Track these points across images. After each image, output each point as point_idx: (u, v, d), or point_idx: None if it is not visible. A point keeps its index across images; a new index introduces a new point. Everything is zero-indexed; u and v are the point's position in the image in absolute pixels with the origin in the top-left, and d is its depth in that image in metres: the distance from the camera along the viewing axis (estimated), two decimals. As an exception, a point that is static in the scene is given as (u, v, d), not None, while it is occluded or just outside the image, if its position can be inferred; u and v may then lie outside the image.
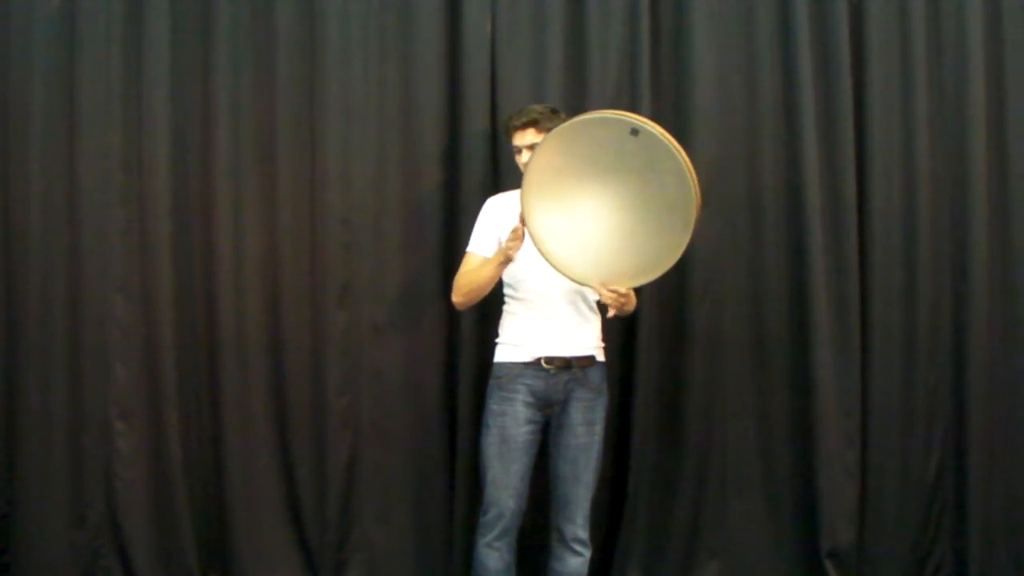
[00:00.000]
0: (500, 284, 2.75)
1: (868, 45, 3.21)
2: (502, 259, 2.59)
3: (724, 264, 3.20)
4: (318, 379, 3.11)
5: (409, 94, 3.14)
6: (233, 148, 3.10)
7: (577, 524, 2.68)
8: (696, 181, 2.36)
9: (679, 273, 3.16)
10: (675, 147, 2.36)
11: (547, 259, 2.49)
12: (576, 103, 3.13)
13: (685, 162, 2.36)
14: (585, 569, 2.69)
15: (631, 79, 3.16)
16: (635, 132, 2.37)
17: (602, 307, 2.74)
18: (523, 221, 2.47)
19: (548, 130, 2.61)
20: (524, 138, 2.70)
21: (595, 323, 2.78)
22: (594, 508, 3.14)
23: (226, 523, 3.10)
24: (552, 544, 2.73)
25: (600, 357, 2.78)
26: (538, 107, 2.75)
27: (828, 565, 3.13)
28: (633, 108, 3.12)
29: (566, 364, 2.68)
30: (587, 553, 2.70)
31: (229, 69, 3.09)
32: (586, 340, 2.74)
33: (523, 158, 2.69)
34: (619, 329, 3.16)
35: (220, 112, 3.08)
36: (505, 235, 2.65)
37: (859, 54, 3.21)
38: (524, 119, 2.70)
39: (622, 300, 2.53)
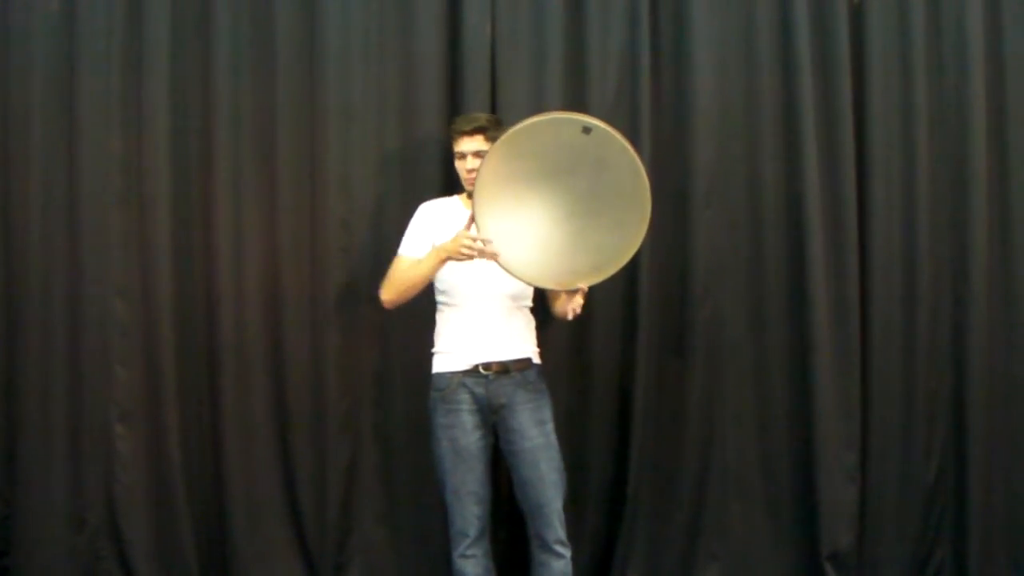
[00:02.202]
0: (431, 290, 2.75)
1: (868, 46, 3.20)
2: (444, 256, 2.56)
3: (724, 266, 3.20)
4: (318, 382, 3.10)
5: (409, 97, 3.14)
6: (233, 151, 3.10)
7: (555, 526, 2.65)
8: (646, 176, 2.42)
9: (679, 275, 3.19)
10: (626, 143, 2.40)
11: (503, 266, 2.48)
12: (576, 105, 3.13)
13: (637, 157, 2.41)
14: (569, 568, 2.67)
15: (631, 80, 3.16)
16: (587, 130, 2.39)
17: (537, 312, 2.78)
18: (474, 226, 2.46)
19: (495, 139, 2.64)
20: (472, 144, 2.70)
21: (530, 326, 2.79)
22: (593, 510, 3.17)
23: (226, 526, 3.09)
24: (533, 552, 2.70)
25: (536, 360, 2.78)
26: (484, 115, 2.81)
27: (828, 568, 3.13)
28: (633, 109, 3.15)
29: (504, 369, 2.68)
30: (569, 553, 2.67)
31: (229, 72, 3.09)
32: (522, 343, 2.74)
33: (468, 163, 2.69)
34: (619, 332, 3.17)
35: (220, 115, 3.08)
36: (439, 240, 2.67)
37: (859, 56, 3.21)
38: (473, 125, 2.72)
39: (581, 300, 2.54)
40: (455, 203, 2.83)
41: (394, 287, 2.70)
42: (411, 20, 3.14)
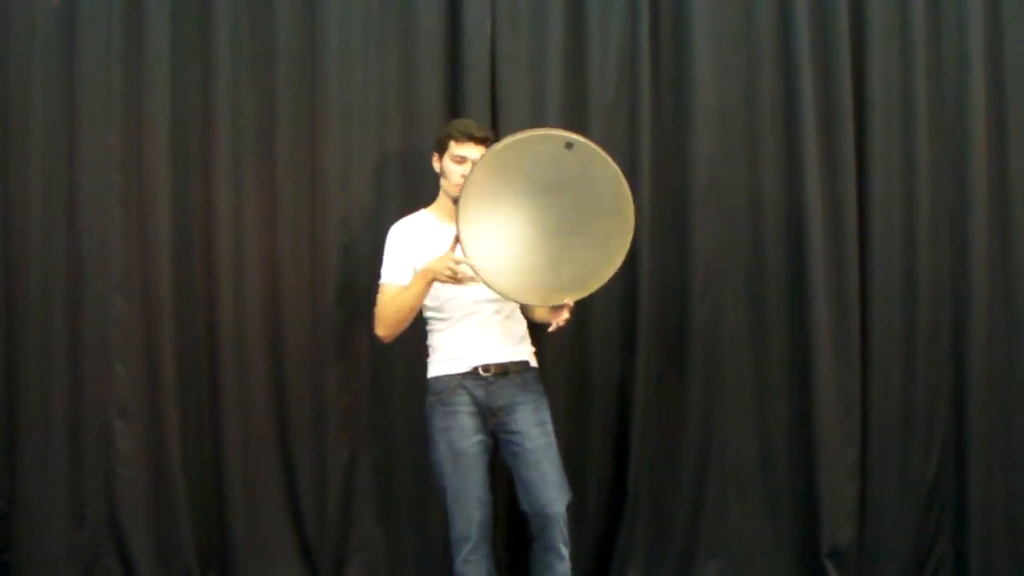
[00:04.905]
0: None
1: (868, 44, 3.21)
2: (431, 278, 2.54)
3: (724, 263, 3.20)
4: (318, 379, 3.11)
5: (409, 94, 3.15)
6: (233, 148, 3.10)
7: (560, 527, 2.62)
8: (629, 191, 2.45)
9: (679, 273, 3.19)
10: (608, 158, 2.43)
11: (487, 283, 2.48)
12: (576, 103, 3.16)
13: (620, 172, 2.44)
14: (569, 569, 2.64)
15: (631, 79, 3.17)
16: (569, 146, 2.41)
17: (530, 317, 2.78)
18: (459, 247, 2.46)
19: None
20: (478, 151, 2.65)
21: (524, 329, 2.78)
22: (593, 510, 3.17)
23: (226, 522, 3.09)
24: (537, 554, 2.67)
25: (533, 363, 2.77)
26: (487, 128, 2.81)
27: (828, 565, 3.13)
28: (633, 108, 3.16)
29: (503, 370, 2.67)
30: (568, 552, 2.64)
31: (229, 69, 3.10)
32: (519, 346, 2.74)
33: (467, 169, 2.62)
34: (619, 329, 3.17)
35: (220, 112, 3.08)
36: (419, 260, 2.65)
37: (859, 54, 3.21)
38: (484, 133, 2.70)
39: (566, 315, 2.54)
40: (426, 217, 2.80)
41: (388, 320, 2.65)
42: (411, 20, 3.15)
